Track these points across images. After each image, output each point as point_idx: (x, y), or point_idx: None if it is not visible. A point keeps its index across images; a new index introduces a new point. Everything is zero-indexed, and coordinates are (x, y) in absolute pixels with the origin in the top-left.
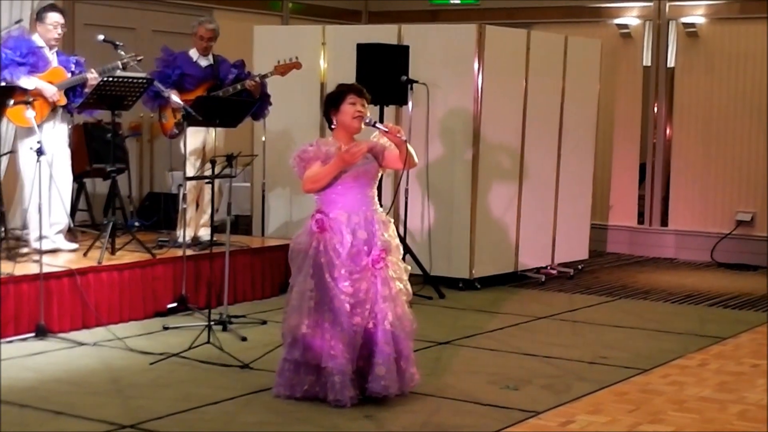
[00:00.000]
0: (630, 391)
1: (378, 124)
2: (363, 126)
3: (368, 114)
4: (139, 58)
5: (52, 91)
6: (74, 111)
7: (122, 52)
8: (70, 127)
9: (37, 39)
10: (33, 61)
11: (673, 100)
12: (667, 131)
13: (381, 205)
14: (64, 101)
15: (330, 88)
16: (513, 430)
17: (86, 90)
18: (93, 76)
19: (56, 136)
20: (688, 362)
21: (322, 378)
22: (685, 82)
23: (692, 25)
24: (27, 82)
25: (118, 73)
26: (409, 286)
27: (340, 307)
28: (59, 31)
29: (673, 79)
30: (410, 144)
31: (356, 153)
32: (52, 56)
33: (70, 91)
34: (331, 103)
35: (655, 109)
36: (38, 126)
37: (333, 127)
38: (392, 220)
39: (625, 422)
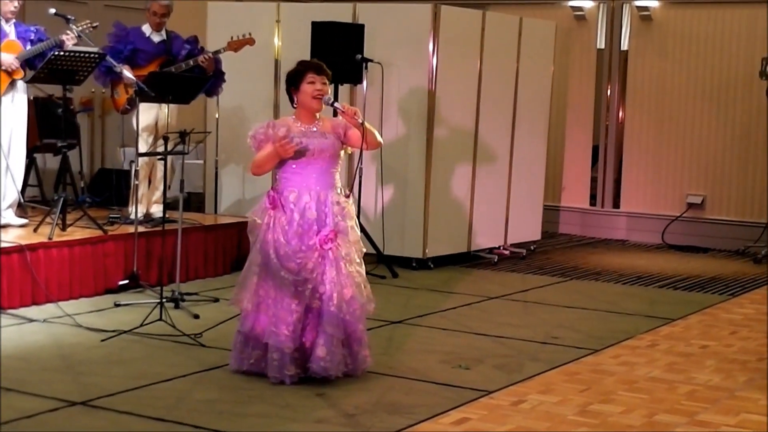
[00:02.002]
0: (581, 371)
1: (336, 104)
2: (323, 105)
3: (328, 91)
4: (94, 24)
5: (9, 60)
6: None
7: (74, 26)
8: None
9: None
10: None
11: (626, 82)
12: (620, 114)
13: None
14: (21, 74)
15: (284, 65)
16: (465, 409)
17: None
18: (70, 36)
19: (15, 109)
20: (638, 343)
21: (268, 354)
22: (639, 66)
23: (646, 8)
24: None
25: (70, 47)
26: (362, 269)
27: (283, 284)
28: (16, 4)
29: (627, 62)
30: (363, 120)
31: (289, 150)
32: (9, 28)
33: (38, 58)
34: (291, 81)
35: (609, 92)
36: None
37: (295, 105)
38: (351, 202)
39: (576, 402)
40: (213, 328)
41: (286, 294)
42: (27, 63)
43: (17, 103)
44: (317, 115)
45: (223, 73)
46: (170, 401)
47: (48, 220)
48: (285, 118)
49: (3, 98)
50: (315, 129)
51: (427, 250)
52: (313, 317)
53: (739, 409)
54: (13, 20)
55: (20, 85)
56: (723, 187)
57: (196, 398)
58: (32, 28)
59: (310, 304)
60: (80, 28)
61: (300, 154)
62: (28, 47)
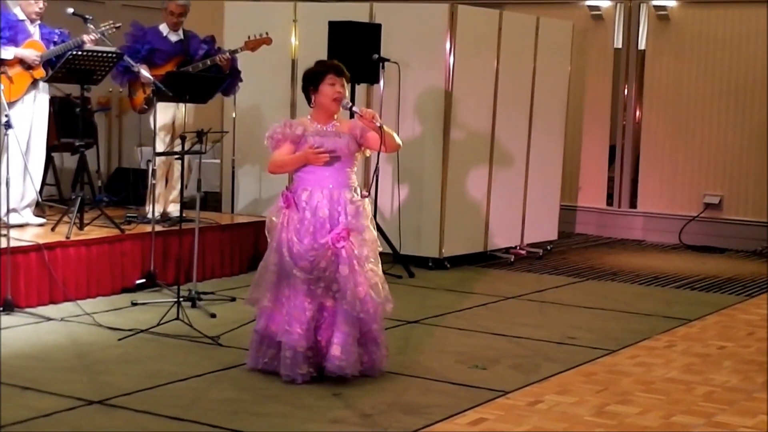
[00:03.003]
0: (598, 372)
1: (355, 108)
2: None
3: (347, 94)
4: (117, 25)
5: (33, 55)
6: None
7: (91, 26)
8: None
9: (18, 12)
10: (11, 35)
11: (644, 82)
12: (637, 113)
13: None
14: (42, 74)
15: (301, 65)
16: (481, 410)
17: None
18: (90, 38)
19: (36, 108)
20: (655, 343)
21: (281, 352)
22: (656, 65)
23: (663, 8)
24: (5, 52)
25: (88, 46)
26: (379, 268)
27: (296, 283)
28: (41, 5)
29: (644, 62)
30: (382, 123)
31: (321, 159)
32: (34, 29)
33: (60, 59)
34: (310, 81)
35: (626, 92)
36: (20, 98)
37: (312, 105)
38: (367, 201)
39: (592, 403)
40: (232, 330)
41: (299, 292)
42: (49, 63)
43: (39, 103)
44: (335, 116)
45: (239, 72)
46: (187, 400)
47: (65, 219)
48: (301, 118)
49: (25, 97)
50: (330, 128)
51: (443, 250)
52: (327, 315)
53: (756, 411)
54: (38, 21)
55: (42, 84)
56: (740, 187)
57: (212, 397)
58: (56, 31)
59: (324, 302)
60: (103, 29)
61: (333, 161)
62: (47, 49)
